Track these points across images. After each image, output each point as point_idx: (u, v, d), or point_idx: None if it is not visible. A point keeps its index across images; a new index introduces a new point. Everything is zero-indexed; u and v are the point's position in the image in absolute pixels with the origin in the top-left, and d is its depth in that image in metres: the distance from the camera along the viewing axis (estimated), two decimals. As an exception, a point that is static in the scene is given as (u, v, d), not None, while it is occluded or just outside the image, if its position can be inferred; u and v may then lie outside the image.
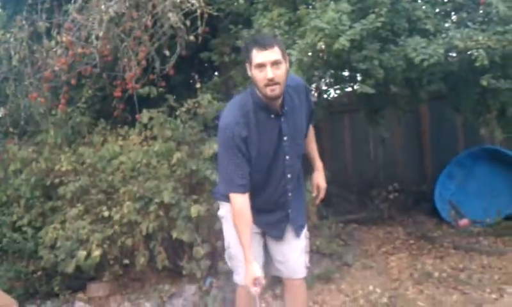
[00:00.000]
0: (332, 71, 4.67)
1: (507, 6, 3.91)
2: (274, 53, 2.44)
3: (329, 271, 4.51)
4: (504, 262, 4.57)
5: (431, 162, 7.05)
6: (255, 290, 2.51)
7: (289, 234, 2.83)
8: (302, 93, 2.73)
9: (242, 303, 2.94)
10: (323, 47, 3.80)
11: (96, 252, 4.10)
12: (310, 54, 3.95)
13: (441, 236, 5.54)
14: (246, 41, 4.12)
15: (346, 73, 4.76)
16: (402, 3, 4.17)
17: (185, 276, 4.27)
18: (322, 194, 3.02)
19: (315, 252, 4.36)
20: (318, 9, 4.01)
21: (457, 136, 6.84)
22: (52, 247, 4.34)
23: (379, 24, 3.87)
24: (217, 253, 4.14)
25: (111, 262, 4.30)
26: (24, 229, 4.60)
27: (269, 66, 2.42)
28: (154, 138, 4.64)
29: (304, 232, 2.92)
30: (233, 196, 2.57)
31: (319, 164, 3.05)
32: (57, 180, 4.60)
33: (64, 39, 4.51)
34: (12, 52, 4.72)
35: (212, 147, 4.26)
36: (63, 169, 4.52)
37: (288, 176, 2.71)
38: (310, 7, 4.36)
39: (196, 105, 4.62)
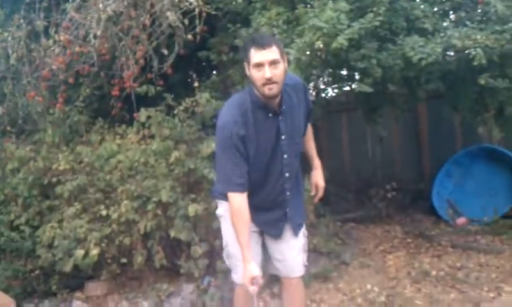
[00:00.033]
0: (330, 70, 4.67)
1: (505, 5, 3.91)
2: (273, 52, 2.44)
3: (326, 270, 4.51)
4: (501, 261, 4.58)
5: (429, 161, 7.05)
6: (253, 289, 2.52)
7: (287, 233, 2.84)
8: (300, 91, 2.74)
9: (240, 302, 2.94)
10: (321, 45, 3.80)
11: (94, 251, 4.10)
12: (308, 52, 3.95)
13: (439, 234, 5.54)
14: (244, 40, 4.12)
15: (344, 72, 4.76)
16: (400, 2, 4.17)
17: (183, 275, 4.27)
18: (320, 193, 3.03)
19: (312, 251, 4.36)
20: (316, 8, 4.01)
21: (455, 135, 6.84)
22: (50, 246, 4.34)
23: (377, 23, 3.87)
24: (215, 252, 4.13)
25: (109, 261, 4.30)
26: (22, 228, 4.60)
27: (267, 65, 2.42)
28: (152, 137, 4.64)
29: (303, 231, 2.92)
30: (232, 195, 2.57)
31: (317, 163, 3.06)
32: (54, 179, 4.59)
33: (62, 38, 4.50)
34: (10, 51, 4.71)
35: (210, 146, 4.26)
36: (61, 168, 4.52)
37: (287, 174, 2.71)
38: (308, 6, 4.36)
39: (194, 104, 4.62)
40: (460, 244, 5.14)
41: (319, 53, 3.96)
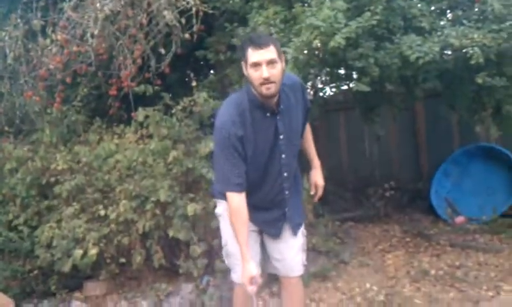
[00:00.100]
0: (328, 69, 4.68)
1: (502, 3, 3.92)
2: (270, 52, 2.43)
3: (325, 269, 4.51)
4: (500, 259, 4.59)
5: (427, 160, 7.06)
6: (252, 289, 2.52)
7: (286, 232, 2.84)
8: (298, 91, 2.73)
9: (239, 301, 2.94)
10: (319, 44, 3.80)
11: (93, 251, 4.10)
12: (305, 51, 3.95)
13: (437, 233, 5.54)
14: (242, 40, 4.12)
15: (342, 71, 4.77)
16: (397, 1, 4.18)
17: (182, 275, 4.27)
18: (320, 192, 3.03)
19: (311, 250, 4.37)
20: (313, 7, 4.01)
21: (453, 134, 6.85)
22: (49, 246, 4.34)
23: (374, 22, 3.87)
24: (213, 252, 4.14)
25: (108, 261, 4.30)
26: (20, 228, 4.60)
27: (264, 65, 2.42)
28: (150, 136, 4.64)
29: (302, 230, 2.92)
30: (230, 195, 2.57)
31: (316, 162, 3.06)
32: (53, 179, 4.59)
33: (59, 37, 4.50)
34: (7, 51, 4.71)
35: (208, 145, 4.26)
36: (59, 167, 4.52)
37: (285, 174, 2.71)
38: (306, 5, 4.36)
39: (192, 103, 4.62)
40: (459, 242, 5.15)
41: (316, 52, 3.97)
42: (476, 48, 3.71)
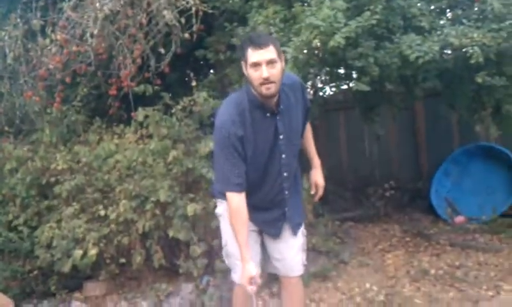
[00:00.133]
0: (327, 68, 4.67)
1: (501, 3, 3.91)
2: (270, 52, 2.43)
3: (325, 269, 4.51)
4: (500, 259, 4.59)
5: (426, 160, 7.06)
6: (251, 289, 2.52)
7: (286, 232, 2.83)
8: (298, 90, 2.73)
9: (239, 301, 2.94)
10: (318, 44, 3.80)
11: (93, 251, 4.09)
12: (305, 51, 3.95)
13: (437, 233, 5.54)
14: (241, 39, 4.12)
15: (341, 71, 4.77)
16: (397, 0, 4.17)
17: (182, 275, 4.27)
18: (320, 192, 3.03)
19: (311, 250, 4.36)
20: (313, 7, 4.01)
21: (452, 133, 6.84)
22: (48, 246, 4.33)
23: (374, 22, 3.87)
24: (213, 252, 4.14)
25: (108, 261, 4.30)
26: (20, 228, 4.59)
27: (264, 65, 2.41)
28: (150, 136, 4.64)
29: (302, 230, 2.92)
30: (230, 195, 2.57)
31: (316, 162, 3.05)
32: (52, 179, 4.59)
33: (58, 37, 4.50)
34: (7, 50, 4.70)
35: (208, 145, 4.26)
36: (59, 167, 4.51)
37: (285, 174, 2.71)
38: (305, 4, 4.35)
39: (191, 103, 4.61)
40: (459, 242, 5.14)
41: (316, 51, 3.97)
42: (476, 48, 3.70)
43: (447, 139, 6.81)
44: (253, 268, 2.53)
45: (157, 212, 4.19)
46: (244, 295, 2.74)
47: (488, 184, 6.00)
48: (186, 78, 5.80)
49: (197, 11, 4.48)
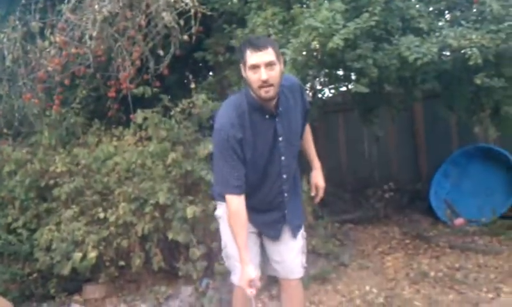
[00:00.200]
0: (326, 70, 4.68)
1: (500, 4, 3.91)
2: (268, 54, 2.43)
3: (325, 271, 4.51)
4: (499, 261, 4.59)
5: (426, 161, 7.06)
6: (251, 292, 2.51)
7: (286, 234, 2.83)
8: (297, 92, 2.73)
9: (238, 304, 2.94)
10: (317, 46, 3.80)
11: (92, 254, 4.09)
12: (304, 53, 3.95)
13: (436, 235, 5.54)
14: (240, 41, 4.12)
15: (340, 73, 4.76)
16: (395, 2, 4.18)
17: (182, 277, 4.26)
18: (321, 194, 3.02)
19: (311, 253, 4.36)
20: (312, 8, 4.01)
21: (451, 135, 6.85)
22: (48, 249, 4.33)
23: (373, 23, 3.87)
24: (213, 254, 4.13)
25: (107, 264, 4.29)
26: (19, 231, 4.59)
27: (263, 67, 2.41)
28: (149, 138, 4.63)
29: (301, 232, 2.92)
30: (229, 197, 2.57)
31: (316, 163, 3.05)
32: (51, 181, 4.58)
33: (57, 39, 4.49)
34: (6, 53, 4.70)
35: (207, 147, 4.26)
36: (58, 170, 4.51)
37: (284, 176, 2.71)
38: (304, 6, 4.35)
39: (190, 105, 4.61)
40: (458, 244, 5.14)
41: (315, 53, 3.96)
42: (474, 49, 3.71)
43: (446, 141, 6.81)
44: (252, 271, 2.52)
45: (156, 214, 4.19)
46: (243, 297, 2.73)
47: (487, 185, 6.00)
48: (185, 81, 5.81)
49: (196, 13, 4.48)
